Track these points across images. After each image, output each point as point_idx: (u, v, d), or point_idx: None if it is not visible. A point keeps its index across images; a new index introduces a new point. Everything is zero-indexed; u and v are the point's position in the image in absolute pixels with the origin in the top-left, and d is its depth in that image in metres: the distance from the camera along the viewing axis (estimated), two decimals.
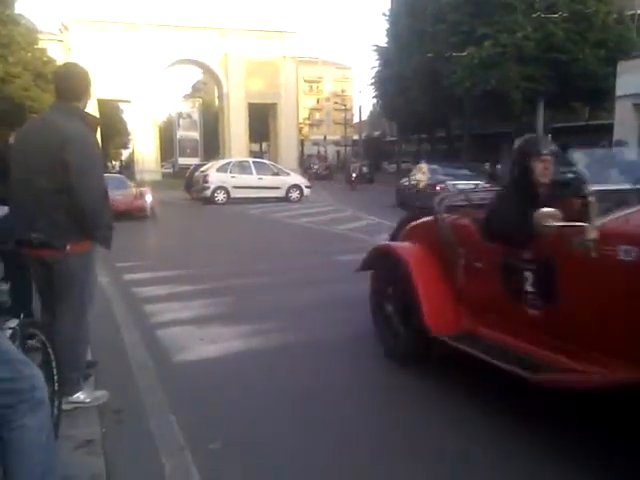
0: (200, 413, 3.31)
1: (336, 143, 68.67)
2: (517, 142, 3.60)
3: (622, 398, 2.52)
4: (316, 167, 45.35)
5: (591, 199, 2.79)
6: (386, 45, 37.97)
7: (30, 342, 2.71)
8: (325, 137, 70.44)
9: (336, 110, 71.73)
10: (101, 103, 35.53)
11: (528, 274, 3.17)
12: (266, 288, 6.71)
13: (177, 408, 3.34)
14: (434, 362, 3.87)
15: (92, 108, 28.07)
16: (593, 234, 2.69)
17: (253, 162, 22.83)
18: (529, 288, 3.18)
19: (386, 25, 37.74)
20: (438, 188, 15.69)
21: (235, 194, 20.19)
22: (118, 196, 13.78)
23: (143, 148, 40.51)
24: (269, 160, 30.21)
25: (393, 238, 4.91)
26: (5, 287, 3.12)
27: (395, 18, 35.58)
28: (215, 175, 20.44)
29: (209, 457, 2.82)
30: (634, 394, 2.37)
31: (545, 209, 2.91)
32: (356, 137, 59.75)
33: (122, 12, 37.42)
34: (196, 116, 45.41)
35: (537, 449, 2.83)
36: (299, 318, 5.36)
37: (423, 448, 2.93)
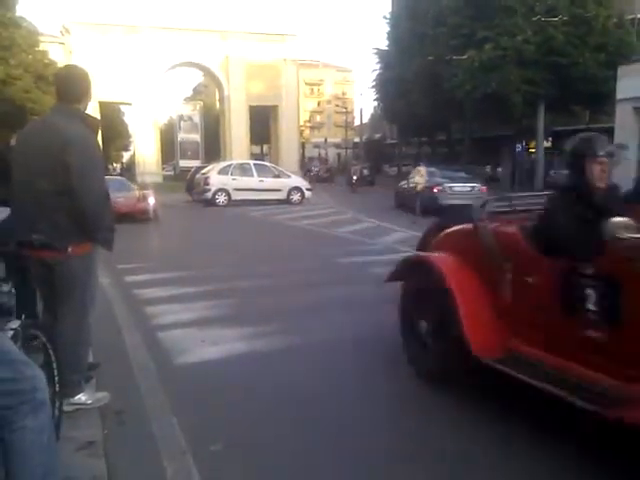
0: (201, 415, 3.31)
1: (337, 146, 68.80)
2: (570, 142, 3.24)
3: None
4: (316, 169, 45.45)
5: None
6: (387, 48, 38.08)
7: (31, 343, 2.71)
8: (326, 140, 70.55)
9: (337, 113, 71.88)
10: (102, 105, 35.54)
11: (591, 291, 2.81)
12: (268, 290, 6.71)
13: (178, 410, 3.34)
14: (466, 382, 3.58)
15: (93, 110, 28.11)
16: None
17: (254, 164, 22.85)
18: (591, 307, 2.82)
19: (387, 28, 37.89)
20: (435, 190, 16.14)
21: (236, 196, 20.20)
22: (121, 198, 13.74)
23: (144, 150, 40.53)
24: (270, 162, 30.23)
25: (421, 247, 4.54)
26: (6, 288, 3.12)
27: (396, 21, 35.69)
28: (216, 177, 20.45)
29: (210, 459, 2.81)
30: None
31: (618, 218, 2.58)
32: (357, 140, 59.87)
33: (123, 15, 37.48)
34: (197, 119, 45.47)
35: (536, 449, 2.83)
36: (300, 320, 5.36)
37: (423, 449, 2.93)
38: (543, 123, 27.25)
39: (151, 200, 15.05)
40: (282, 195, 20.90)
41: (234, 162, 23.90)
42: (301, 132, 53.56)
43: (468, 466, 2.75)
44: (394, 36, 35.51)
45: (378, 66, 40.21)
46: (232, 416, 3.31)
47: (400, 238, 11.35)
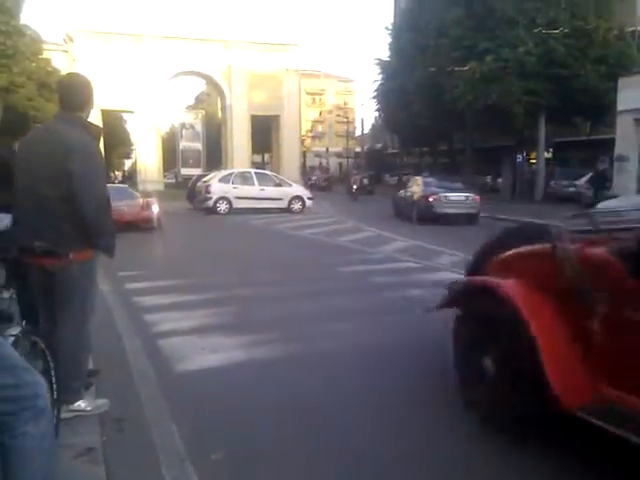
0: (201, 423, 3.30)
1: (338, 155, 68.97)
2: None
3: None
4: (314, 178, 45.87)
5: None
6: (388, 59, 38.27)
7: (31, 350, 2.71)
8: (327, 149, 70.75)
9: (338, 122, 72.12)
10: (105, 113, 35.69)
11: None
12: (268, 298, 6.70)
13: (178, 417, 3.33)
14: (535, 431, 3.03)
15: (96, 118, 28.24)
16: None
17: (255, 173, 22.89)
18: None
19: (389, 39, 38.09)
20: (431, 199, 16.54)
21: (237, 205, 20.23)
22: (124, 207, 13.69)
23: (146, 158, 40.65)
24: (271, 171, 30.30)
25: (474, 269, 4.04)
26: (7, 294, 3.12)
27: (398, 32, 35.88)
28: (217, 186, 20.49)
29: (210, 467, 2.80)
30: None
31: None
32: (358, 149, 60.06)
33: (126, 23, 37.74)
34: (199, 127, 45.65)
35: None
36: (300, 329, 5.35)
37: (425, 454, 2.92)
38: (544, 134, 27.35)
39: (155, 208, 14.85)
40: (283, 204, 20.93)
41: (235, 170, 23.95)
42: (302, 141, 53.74)
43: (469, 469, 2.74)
44: (396, 47, 35.69)
45: (380, 77, 40.39)
46: (232, 424, 3.30)
47: (400, 247, 11.36)
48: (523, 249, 3.42)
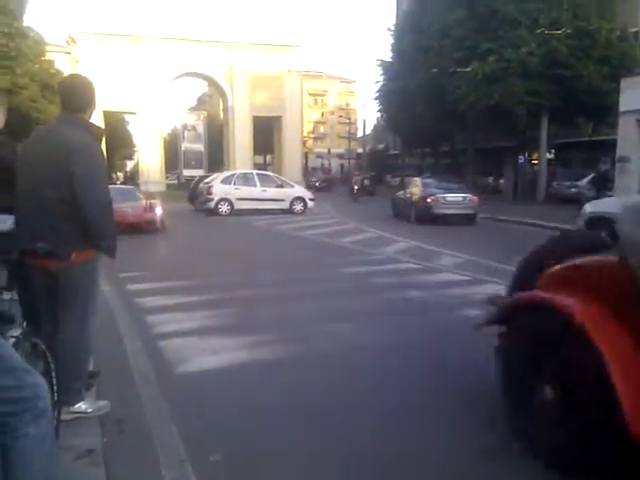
0: (201, 424, 3.30)
1: (340, 156, 69.02)
2: None
3: None
4: (314, 179, 46.26)
5: None
6: (391, 60, 38.25)
7: (32, 351, 2.72)
8: (329, 150, 70.82)
9: (340, 123, 72.18)
10: (107, 115, 35.79)
11: None
12: (270, 300, 6.71)
13: (178, 419, 3.33)
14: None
15: (98, 119, 28.28)
16: None
17: (257, 174, 22.91)
18: None
19: (391, 40, 38.06)
20: (429, 200, 16.80)
21: (239, 206, 20.26)
22: (128, 208, 13.63)
23: (148, 159, 40.74)
24: (273, 172, 30.34)
25: (520, 282, 3.57)
26: (8, 296, 3.13)
27: (400, 33, 35.88)
28: (219, 187, 20.52)
29: (210, 469, 2.81)
30: None
31: None
32: (360, 150, 60.09)
33: (129, 25, 37.85)
34: (201, 128, 45.78)
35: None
36: (302, 330, 5.36)
37: (425, 454, 2.92)
38: (546, 135, 27.33)
39: (158, 210, 14.69)
40: (285, 205, 20.95)
41: (237, 172, 23.99)
42: (304, 142, 53.81)
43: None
44: (398, 48, 35.68)
45: (382, 78, 40.37)
46: (232, 425, 3.30)
47: (402, 248, 11.36)
48: (581, 261, 3.04)
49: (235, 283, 7.77)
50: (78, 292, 3.19)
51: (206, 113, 50.37)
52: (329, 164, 68.00)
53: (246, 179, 21.57)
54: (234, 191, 20.46)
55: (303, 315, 5.93)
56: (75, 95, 3.22)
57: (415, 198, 17.61)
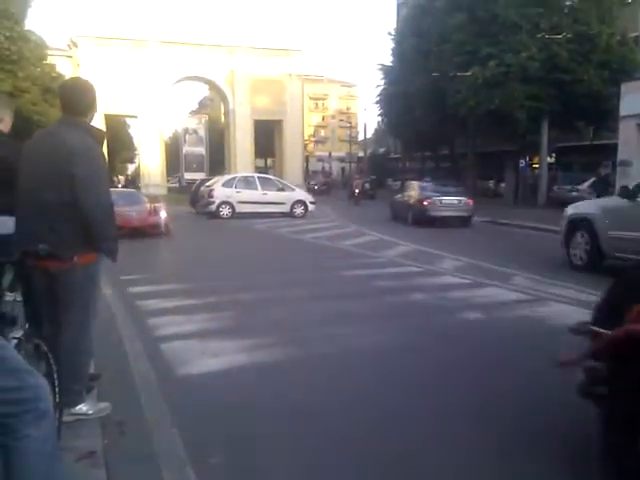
0: (201, 427, 3.31)
1: (341, 160, 69.11)
2: None
3: None
4: (313, 183, 46.57)
5: None
6: (391, 64, 38.36)
7: (34, 353, 2.72)
8: (330, 154, 70.91)
9: (341, 127, 72.33)
10: (108, 118, 35.88)
11: None
12: (270, 303, 6.71)
13: (179, 421, 3.33)
14: None
15: (99, 123, 28.34)
16: None
17: (258, 177, 22.93)
18: None
19: (391, 44, 38.20)
20: (426, 203, 17.32)
21: (240, 209, 20.28)
22: (133, 212, 13.61)
23: (149, 163, 40.83)
24: (274, 176, 30.36)
25: (609, 314, 2.72)
26: (10, 297, 3.13)
27: (400, 37, 36.00)
28: (220, 190, 20.54)
29: (210, 471, 2.81)
30: None
31: None
32: (361, 154, 60.16)
33: (131, 29, 37.96)
34: (202, 132, 45.88)
35: None
36: (302, 333, 5.35)
37: (425, 455, 2.92)
38: (547, 139, 27.35)
39: (163, 214, 14.60)
40: (285, 208, 20.98)
41: (238, 175, 24.01)
42: (305, 146, 53.89)
43: None
44: (398, 52, 35.79)
45: (382, 82, 40.48)
46: (232, 428, 3.30)
47: (403, 252, 11.36)
48: None
49: (236, 286, 7.78)
50: (79, 294, 3.19)
51: (207, 117, 50.51)
52: (330, 167, 68.08)
53: (247, 182, 21.59)
54: (235, 194, 20.48)
55: (304, 318, 5.93)
56: (76, 98, 3.22)
57: (412, 201, 18.15)
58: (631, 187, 8.23)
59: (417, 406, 3.64)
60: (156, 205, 15.10)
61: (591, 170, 25.60)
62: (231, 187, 20.79)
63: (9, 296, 3.05)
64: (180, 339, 5.08)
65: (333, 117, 79.99)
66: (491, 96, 24.62)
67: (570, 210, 9.67)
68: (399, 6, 49.73)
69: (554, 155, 32.88)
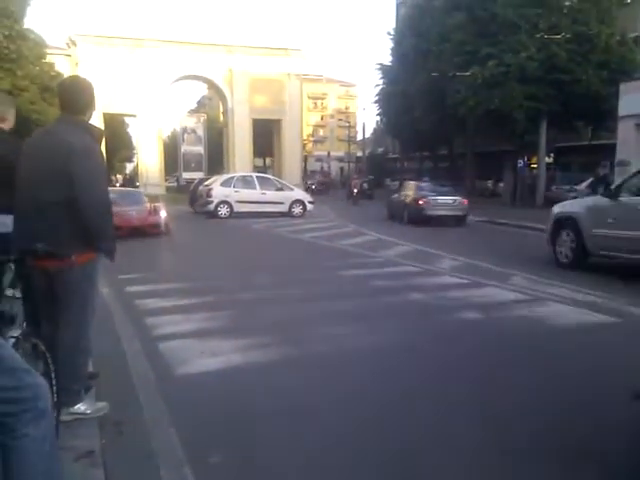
0: (200, 426, 3.30)
1: (340, 159, 69.11)
2: None
3: None
4: (311, 182, 46.54)
5: None
6: (390, 64, 38.38)
7: (32, 352, 2.72)
8: (329, 153, 70.91)
9: (340, 127, 72.29)
10: (107, 117, 35.81)
11: None
12: (268, 302, 6.70)
13: (177, 421, 3.32)
14: None
15: (98, 122, 28.30)
16: None
17: (257, 177, 22.91)
18: None
19: (391, 44, 38.22)
20: (421, 202, 17.61)
21: (238, 208, 20.27)
22: (133, 212, 13.56)
23: (147, 162, 40.77)
24: (273, 175, 30.34)
25: None
26: (9, 293, 3.13)
27: (400, 37, 36.01)
28: (219, 189, 20.52)
29: (208, 471, 2.80)
30: None
31: None
32: (360, 154, 60.17)
33: (129, 28, 37.91)
34: (201, 131, 45.83)
35: None
36: (300, 332, 5.35)
37: (424, 455, 2.92)
38: (545, 139, 27.37)
39: (162, 213, 14.52)
40: (284, 208, 20.97)
41: (237, 174, 23.98)
42: (304, 145, 53.90)
43: None
44: (398, 52, 35.81)
45: (381, 81, 40.51)
46: (230, 428, 3.30)
47: (401, 252, 11.36)
48: None
49: (234, 285, 7.77)
50: (77, 293, 3.19)
51: (206, 116, 50.46)
52: (329, 167, 68.07)
53: (246, 182, 21.57)
54: (234, 194, 20.46)
55: (302, 317, 5.93)
56: (75, 96, 3.21)
57: (408, 200, 18.40)
58: (613, 187, 8.44)
59: (415, 406, 3.64)
60: (156, 205, 15.04)
61: (589, 170, 25.58)
62: (229, 186, 20.77)
63: (9, 292, 3.05)
64: (178, 338, 5.07)
65: (332, 117, 79.98)
66: (490, 96, 24.63)
67: (556, 209, 9.89)
68: (398, 6, 49.76)
69: (552, 155, 32.92)
